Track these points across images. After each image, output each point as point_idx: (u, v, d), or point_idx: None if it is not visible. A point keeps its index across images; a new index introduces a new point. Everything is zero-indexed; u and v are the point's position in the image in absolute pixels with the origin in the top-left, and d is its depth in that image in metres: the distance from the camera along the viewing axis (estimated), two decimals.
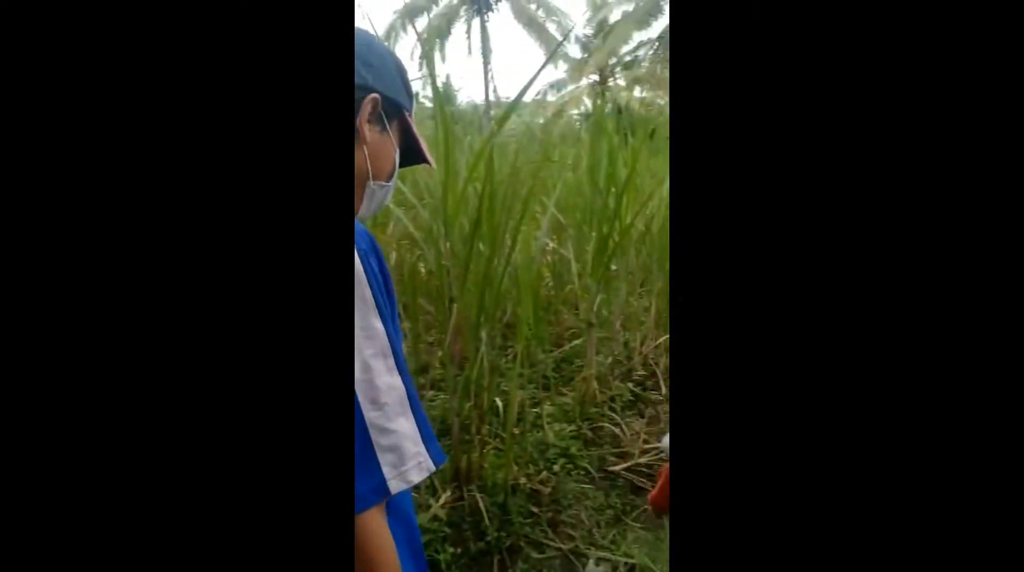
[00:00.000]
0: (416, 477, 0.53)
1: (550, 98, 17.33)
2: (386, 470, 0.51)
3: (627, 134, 3.67)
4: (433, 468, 0.55)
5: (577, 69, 16.58)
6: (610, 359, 2.98)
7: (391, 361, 0.54)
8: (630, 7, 14.93)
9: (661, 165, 3.69)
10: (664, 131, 4.63)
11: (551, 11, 16.63)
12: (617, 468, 2.29)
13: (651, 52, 14.65)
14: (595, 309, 2.67)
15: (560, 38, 16.79)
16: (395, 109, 0.63)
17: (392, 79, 0.62)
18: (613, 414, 2.58)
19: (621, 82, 17.24)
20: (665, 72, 14.02)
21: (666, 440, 2.45)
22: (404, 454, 0.52)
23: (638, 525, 2.08)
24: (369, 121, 0.60)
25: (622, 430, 2.48)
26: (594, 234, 2.70)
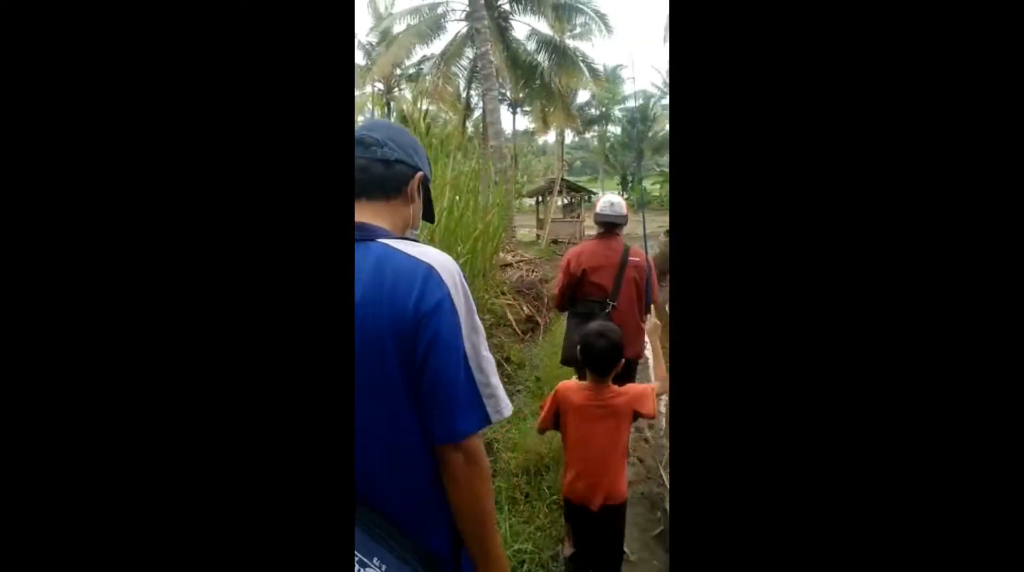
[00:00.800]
0: (506, 413, 0.82)
1: None
2: (488, 409, 0.80)
3: None
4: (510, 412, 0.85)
5: (361, 76, 16.22)
6: None
7: (486, 343, 0.84)
8: (414, 20, 15.12)
9: (440, 172, 3.76)
10: (448, 145, 4.74)
11: None
12: None
13: (434, 67, 15.01)
14: None
15: None
16: (425, 182, 0.96)
17: (427, 164, 0.97)
18: None
19: (407, 93, 17.32)
20: (448, 87, 14.47)
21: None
22: (499, 400, 0.82)
23: None
24: (416, 190, 0.93)
25: None
26: None
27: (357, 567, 0.71)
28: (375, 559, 0.73)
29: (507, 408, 0.82)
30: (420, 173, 0.92)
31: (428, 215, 1.00)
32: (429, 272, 0.77)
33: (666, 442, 3.49)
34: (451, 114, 14.67)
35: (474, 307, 0.81)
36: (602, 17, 15.57)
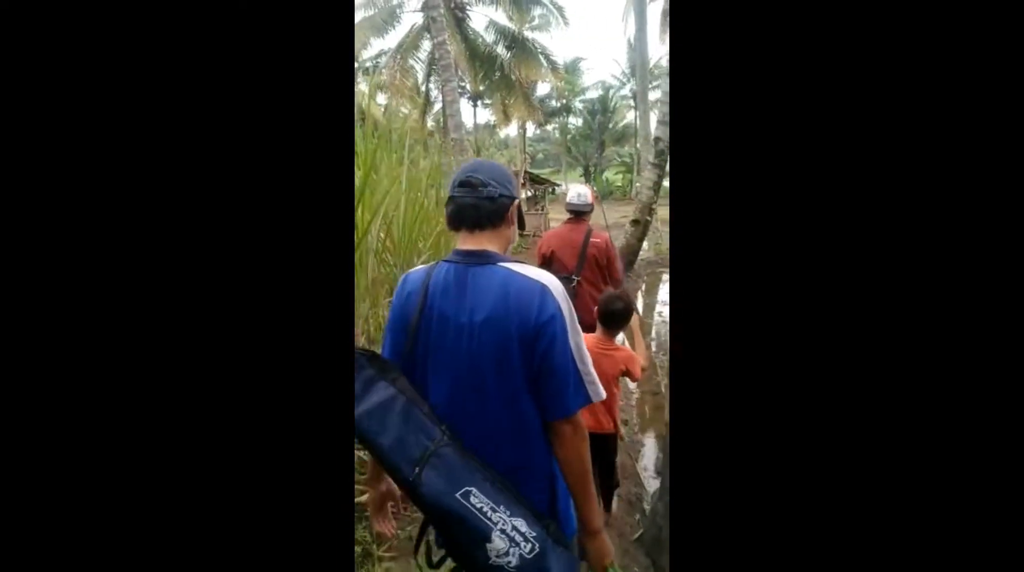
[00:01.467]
0: (603, 396, 1.07)
1: None
2: (590, 392, 1.04)
3: (368, 136, 3.48)
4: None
5: None
6: None
7: (584, 341, 1.06)
8: (369, 12, 14.75)
9: (397, 167, 3.58)
10: (403, 139, 4.54)
11: None
12: (363, 499, 2.09)
13: (391, 60, 14.68)
14: None
15: None
16: (518, 206, 1.16)
17: (517, 188, 1.17)
18: None
19: (363, 87, 16.91)
20: (407, 81, 14.17)
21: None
22: (596, 385, 1.05)
23: (388, 556, 1.92)
24: (514, 214, 1.14)
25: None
26: None
27: (488, 511, 0.94)
28: (500, 506, 0.96)
29: (603, 390, 1.06)
30: (516, 200, 1.14)
31: (521, 226, 1.24)
32: (544, 290, 1.01)
33: (641, 437, 3.42)
34: (410, 107, 14.38)
35: (575, 314, 1.05)
36: (560, 9, 15.51)
